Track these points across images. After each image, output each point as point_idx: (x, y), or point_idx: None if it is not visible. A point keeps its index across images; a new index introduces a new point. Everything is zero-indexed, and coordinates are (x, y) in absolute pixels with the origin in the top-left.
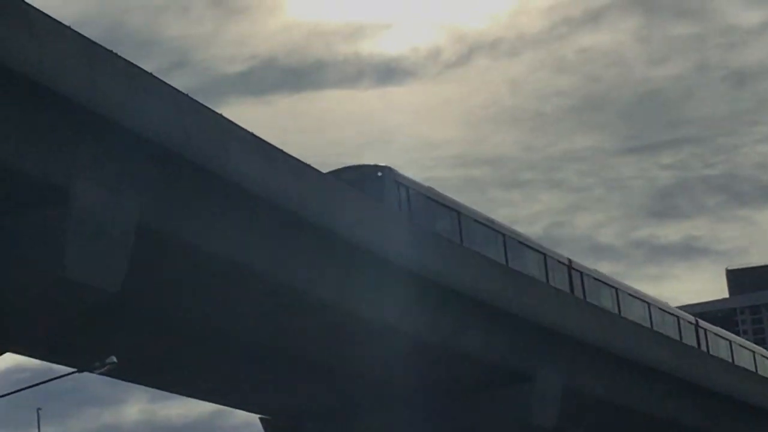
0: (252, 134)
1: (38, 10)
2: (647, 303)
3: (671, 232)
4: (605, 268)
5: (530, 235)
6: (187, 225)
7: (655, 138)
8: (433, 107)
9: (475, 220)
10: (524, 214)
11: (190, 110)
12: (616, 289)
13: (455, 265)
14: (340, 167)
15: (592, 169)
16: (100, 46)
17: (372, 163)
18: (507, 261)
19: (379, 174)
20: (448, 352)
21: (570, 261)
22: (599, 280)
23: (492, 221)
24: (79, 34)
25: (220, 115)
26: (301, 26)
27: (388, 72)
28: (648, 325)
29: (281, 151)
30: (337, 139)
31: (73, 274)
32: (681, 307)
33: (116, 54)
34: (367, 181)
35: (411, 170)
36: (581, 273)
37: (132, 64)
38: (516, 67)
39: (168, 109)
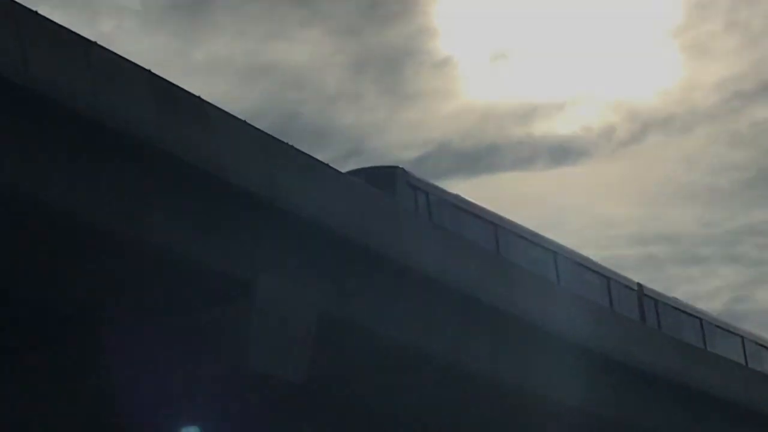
0: (427, 219)
1: (213, 105)
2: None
3: None
4: None
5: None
6: (366, 310)
7: None
8: (608, 186)
9: (515, 233)
10: (704, 290)
11: (366, 198)
12: (701, 319)
13: (635, 342)
14: (353, 169)
15: None
16: (277, 139)
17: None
18: (558, 280)
19: (391, 175)
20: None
21: (640, 286)
22: (678, 309)
23: (536, 235)
24: (256, 128)
25: (396, 201)
26: (474, 110)
27: (561, 152)
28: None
29: (457, 234)
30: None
31: (259, 366)
32: None
33: (293, 146)
34: (380, 182)
35: (588, 249)
36: (655, 300)
37: (308, 155)
38: (690, 142)
39: (345, 197)
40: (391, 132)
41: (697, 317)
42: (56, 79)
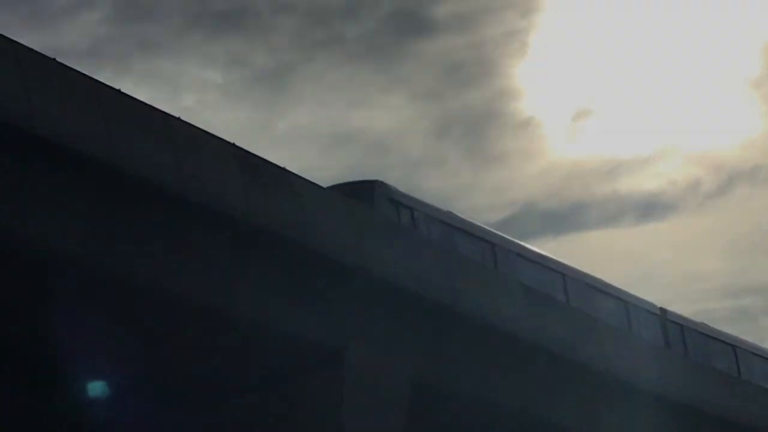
0: (519, 282)
1: (298, 175)
2: None
3: None
4: None
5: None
6: (458, 374)
7: None
8: (696, 240)
9: (512, 251)
10: None
11: (458, 264)
12: (734, 346)
13: (708, 390)
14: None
15: None
16: (362, 205)
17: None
18: (567, 298)
19: (369, 189)
20: None
21: (663, 310)
22: (706, 335)
23: (546, 259)
24: (341, 196)
25: (488, 267)
26: (559, 168)
27: (647, 207)
28: None
29: (550, 297)
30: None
31: None
32: None
33: (378, 214)
34: (358, 197)
35: (679, 304)
36: (681, 326)
37: (392, 221)
38: None
39: (436, 264)
40: (476, 194)
41: (728, 343)
42: (141, 156)
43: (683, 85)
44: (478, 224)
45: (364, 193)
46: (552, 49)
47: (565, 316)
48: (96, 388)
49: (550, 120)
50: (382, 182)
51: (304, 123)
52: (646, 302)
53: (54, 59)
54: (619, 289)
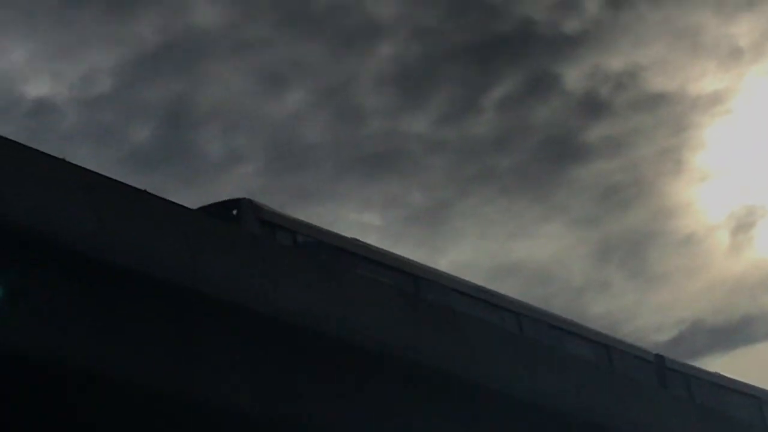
0: (692, 401)
1: (462, 312)
2: None
3: None
4: None
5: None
6: None
7: None
8: None
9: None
10: None
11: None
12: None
13: None
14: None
15: None
16: (533, 342)
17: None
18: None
19: (234, 212)
20: None
21: (661, 357)
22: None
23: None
24: (508, 331)
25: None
26: (724, 283)
27: None
28: None
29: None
30: None
31: None
32: None
33: (547, 346)
34: (225, 216)
35: None
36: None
37: (551, 347)
38: None
39: (563, 373)
40: (642, 315)
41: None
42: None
43: None
44: (402, 256)
45: (228, 214)
46: (707, 163)
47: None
48: None
49: (711, 234)
50: (249, 200)
51: (465, 258)
52: None
53: (215, 221)
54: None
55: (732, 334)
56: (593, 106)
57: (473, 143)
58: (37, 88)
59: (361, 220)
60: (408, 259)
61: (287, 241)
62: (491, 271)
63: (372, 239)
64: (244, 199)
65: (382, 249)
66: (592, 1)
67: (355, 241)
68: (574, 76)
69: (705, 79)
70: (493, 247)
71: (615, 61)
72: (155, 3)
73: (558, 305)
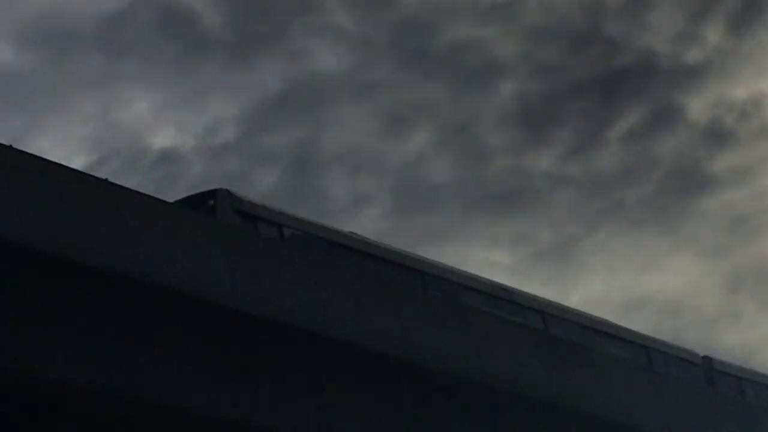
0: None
1: (596, 350)
2: None
3: None
4: None
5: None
6: None
7: None
8: None
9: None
10: None
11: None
12: None
13: None
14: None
15: None
16: (658, 374)
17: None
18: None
19: (211, 202)
20: None
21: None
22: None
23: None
24: (646, 368)
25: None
26: None
27: None
28: None
29: None
30: None
31: None
32: None
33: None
34: (200, 208)
35: None
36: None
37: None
38: None
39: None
40: None
41: None
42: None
43: None
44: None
45: (204, 205)
46: None
47: None
48: None
49: None
50: (226, 190)
51: (595, 293)
52: None
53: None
54: None
55: None
56: (718, 136)
57: (599, 177)
58: (163, 138)
59: (490, 258)
60: (414, 254)
61: (272, 234)
62: (622, 306)
63: (500, 277)
64: (221, 189)
65: (385, 244)
66: (713, 30)
67: (352, 235)
68: (697, 106)
69: None
70: (623, 281)
71: (738, 90)
72: (276, 50)
73: (689, 338)
